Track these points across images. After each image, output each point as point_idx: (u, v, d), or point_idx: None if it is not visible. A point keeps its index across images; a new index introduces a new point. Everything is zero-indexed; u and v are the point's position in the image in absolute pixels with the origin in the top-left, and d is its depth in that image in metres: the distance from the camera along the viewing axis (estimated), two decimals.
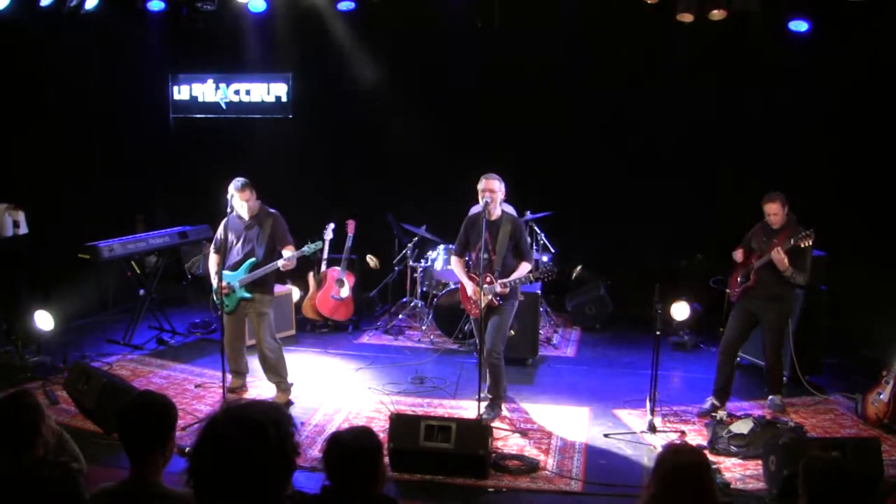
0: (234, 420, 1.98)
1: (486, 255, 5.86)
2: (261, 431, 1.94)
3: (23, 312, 7.42)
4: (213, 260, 6.43)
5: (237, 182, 6.16)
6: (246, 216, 6.25)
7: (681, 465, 2.50)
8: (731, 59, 8.40)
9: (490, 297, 5.87)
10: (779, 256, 5.80)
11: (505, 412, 6.15)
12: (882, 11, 7.28)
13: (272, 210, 6.36)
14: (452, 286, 7.77)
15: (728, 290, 6.43)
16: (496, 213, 5.96)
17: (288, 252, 6.16)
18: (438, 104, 9.43)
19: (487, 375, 6.06)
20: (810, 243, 5.80)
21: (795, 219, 6.04)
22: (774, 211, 5.98)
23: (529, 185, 8.39)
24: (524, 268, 5.95)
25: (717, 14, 7.62)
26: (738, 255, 6.23)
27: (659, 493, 2.47)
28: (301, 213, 8.22)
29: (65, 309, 8.00)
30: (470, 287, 6.10)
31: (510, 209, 6.15)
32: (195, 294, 9.68)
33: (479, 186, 5.89)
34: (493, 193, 5.84)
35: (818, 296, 6.99)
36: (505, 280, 5.84)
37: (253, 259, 6.20)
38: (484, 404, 6.00)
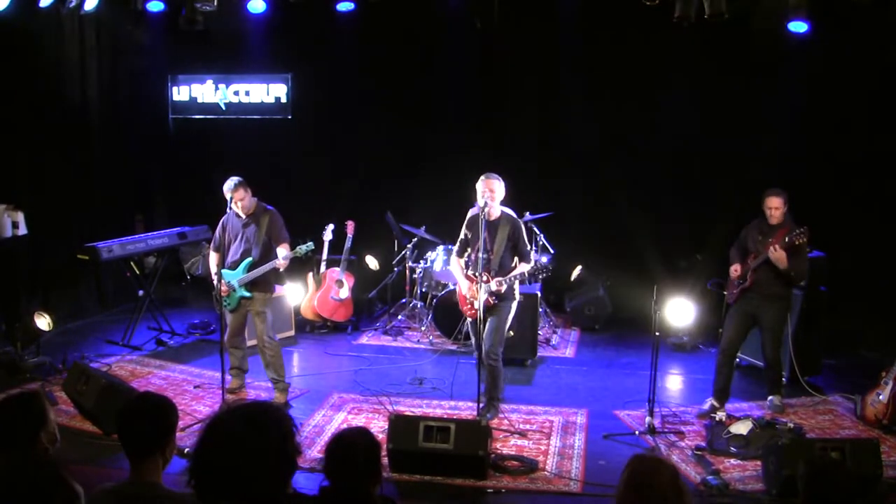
0: (236, 420, 1.98)
1: (484, 255, 5.87)
2: (262, 431, 1.95)
3: (22, 313, 7.42)
4: (213, 259, 6.45)
5: (230, 182, 6.17)
6: (242, 214, 6.27)
7: (642, 472, 2.51)
8: (730, 60, 8.40)
9: (486, 295, 5.87)
10: (776, 254, 5.80)
11: (503, 413, 6.15)
12: (882, 11, 7.28)
13: (269, 207, 6.37)
14: (452, 287, 7.77)
15: (725, 292, 6.43)
16: (495, 213, 5.97)
17: (283, 251, 6.17)
18: (438, 104, 9.42)
19: (486, 376, 6.07)
20: (805, 240, 5.81)
21: (791, 218, 6.04)
22: (777, 205, 5.94)
23: (529, 185, 8.39)
24: (522, 268, 5.97)
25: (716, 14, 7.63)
26: (735, 271, 6.20)
27: (627, 499, 2.49)
28: (300, 213, 8.23)
29: (64, 309, 8.01)
30: (465, 286, 6.10)
31: (509, 211, 6.18)
32: (194, 295, 9.68)
33: (479, 186, 5.90)
34: (491, 193, 5.85)
35: (818, 296, 6.98)
36: (501, 278, 5.85)
37: (250, 258, 6.21)
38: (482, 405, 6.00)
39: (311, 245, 6.37)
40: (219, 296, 6.12)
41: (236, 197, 6.14)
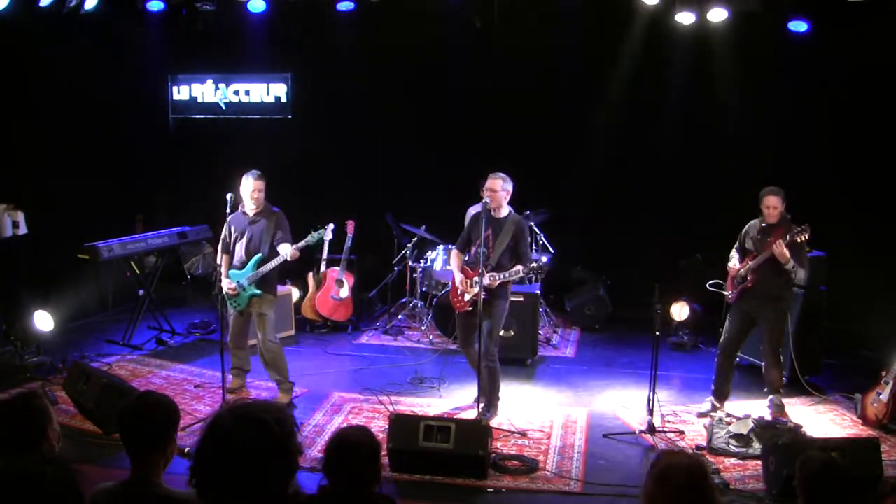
0: (238, 418, 1.99)
1: (484, 250, 5.87)
2: (264, 430, 1.95)
3: (22, 313, 7.41)
4: (223, 261, 6.38)
5: (253, 173, 6.22)
6: (251, 211, 6.25)
7: (674, 466, 2.51)
8: (730, 60, 8.40)
9: (477, 288, 5.83)
10: (780, 250, 5.77)
11: (503, 413, 6.15)
12: (882, 12, 7.29)
13: (276, 209, 6.36)
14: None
15: (725, 292, 6.43)
16: (503, 211, 5.99)
17: (287, 247, 6.16)
18: (438, 104, 9.42)
19: (484, 378, 6.05)
20: (806, 237, 5.80)
21: (789, 218, 6.04)
22: (774, 204, 5.94)
23: (529, 185, 8.36)
24: (518, 269, 5.95)
25: (716, 14, 7.64)
26: (733, 270, 6.19)
27: (654, 495, 2.48)
28: (300, 213, 8.20)
29: (64, 309, 7.99)
30: (458, 278, 6.11)
31: (514, 213, 6.18)
32: (194, 294, 9.68)
33: (485, 185, 5.95)
34: (493, 193, 5.88)
35: (818, 296, 6.99)
36: (495, 274, 5.83)
37: (259, 255, 6.20)
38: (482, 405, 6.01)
39: (322, 232, 6.39)
40: (224, 296, 6.10)
41: (257, 187, 6.16)
